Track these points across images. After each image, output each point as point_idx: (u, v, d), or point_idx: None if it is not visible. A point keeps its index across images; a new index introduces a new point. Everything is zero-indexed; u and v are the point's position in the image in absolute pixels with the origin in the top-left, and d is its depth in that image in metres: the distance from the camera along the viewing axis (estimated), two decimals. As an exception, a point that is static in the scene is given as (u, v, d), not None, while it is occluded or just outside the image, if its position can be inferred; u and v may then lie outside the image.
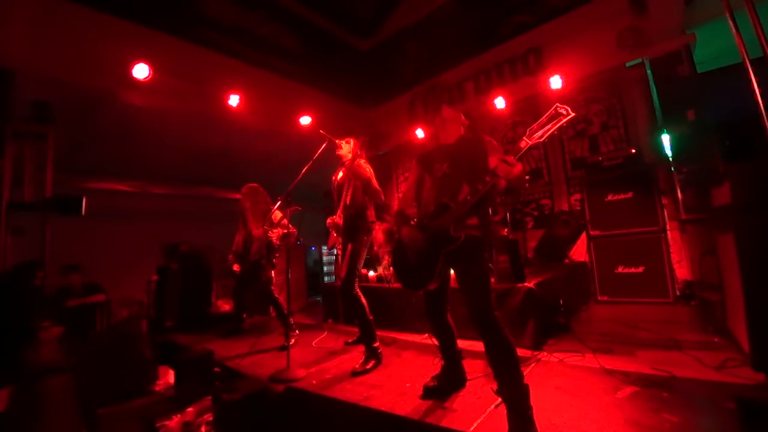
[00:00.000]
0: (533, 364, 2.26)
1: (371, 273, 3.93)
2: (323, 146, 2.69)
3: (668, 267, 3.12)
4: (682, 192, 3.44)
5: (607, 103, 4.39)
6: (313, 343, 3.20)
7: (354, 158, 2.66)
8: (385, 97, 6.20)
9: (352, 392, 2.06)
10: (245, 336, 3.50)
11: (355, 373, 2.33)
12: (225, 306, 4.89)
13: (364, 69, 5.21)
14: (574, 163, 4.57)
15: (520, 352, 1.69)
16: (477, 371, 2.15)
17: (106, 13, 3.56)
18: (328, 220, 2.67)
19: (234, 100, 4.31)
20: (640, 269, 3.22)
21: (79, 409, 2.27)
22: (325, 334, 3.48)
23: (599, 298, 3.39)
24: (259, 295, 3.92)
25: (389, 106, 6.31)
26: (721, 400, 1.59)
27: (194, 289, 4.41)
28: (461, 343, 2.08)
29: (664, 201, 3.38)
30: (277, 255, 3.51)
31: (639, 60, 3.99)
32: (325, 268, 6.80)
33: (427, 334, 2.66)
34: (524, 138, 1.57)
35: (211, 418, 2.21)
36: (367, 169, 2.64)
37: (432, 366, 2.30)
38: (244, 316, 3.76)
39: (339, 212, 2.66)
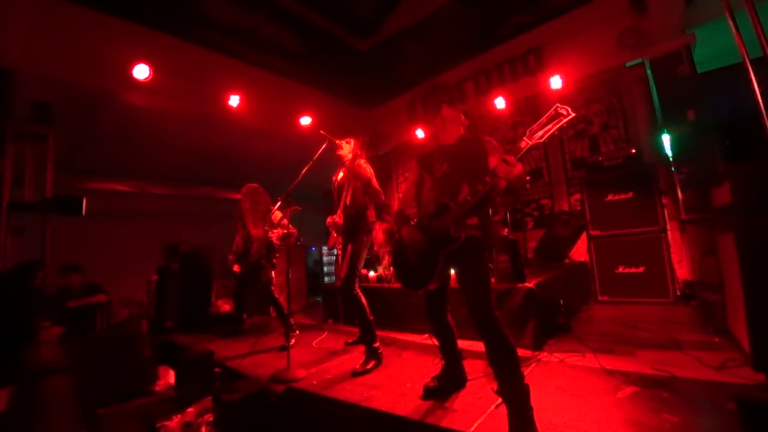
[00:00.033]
0: (533, 364, 2.26)
1: (371, 273, 3.93)
2: (323, 146, 2.69)
3: (668, 267, 3.12)
4: (682, 192, 3.44)
5: (607, 103, 4.39)
6: (313, 344, 3.20)
7: (354, 158, 2.65)
8: (385, 97, 6.20)
9: (353, 392, 2.06)
10: (245, 336, 3.50)
11: (355, 374, 2.33)
12: (225, 306, 4.89)
13: (364, 69, 5.21)
14: (574, 163, 4.57)
15: (521, 352, 1.69)
16: (477, 371, 2.15)
17: (106, 13, 3.56)
18: (328, 219, 2.67)
19: (234, 100, 4.31)
20: (641, 269, 3.22)
21: (79, 409, 2.27)
22: (325, 335, 3.48)
23: (599, 298, 3.39)
24: (259, 296, 3.92)
25: (389, 106, 6.31)
26: (722, 400, 1.59)
27: (194, 290, 4.41)
28: (461, 343, 2.08)
29: (665, 201, 3.38)
30: (278, 255, 3.51)
31: (639, 60, 3.99)
32: (326, 269, 6.80)
33: (427, 335, 2.66)
34: (524, 138, 1.57)
35: (211, 419, 2.20)
36: (368, 170, 2.64)
37: (432, 366, 2.30)
38: (245, 316, 3.77)
39: (339, 212, 2.66)
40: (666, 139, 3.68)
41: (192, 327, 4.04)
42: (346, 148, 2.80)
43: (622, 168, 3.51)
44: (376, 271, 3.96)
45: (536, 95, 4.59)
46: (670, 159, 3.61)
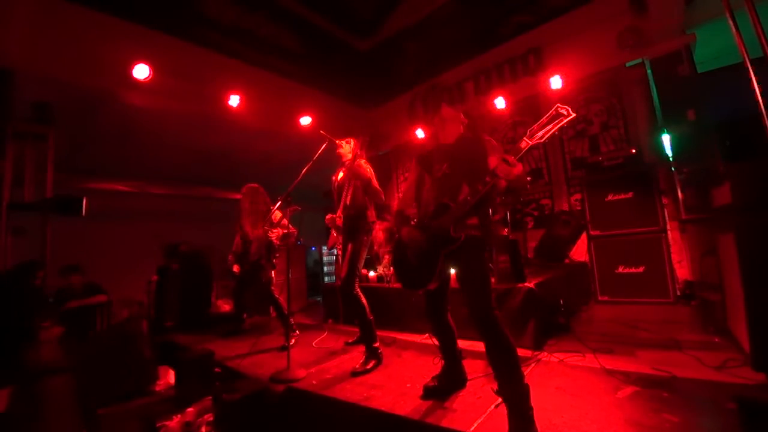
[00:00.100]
0: (533, 364, 2.26)
1: (371, 273, 3.93)
2: (323, 146, 2.69)
3: (668, 267, 3.12)
4: (682, 192, 3.44)
5: (607, 103, 4.39)
6: (313, 344, 3.20)
7: (354, 158, 2.65)
8: (385, 97, 6.20)
9: (353, 392, 2.06)
10: (245, 336, 3.50)
11: (355, 373, 2.33)
12: (225, 306, 4.89)
13: (364, 69, 5.21)
14: (575, 163, 4.57)
15: (521, 352, 1.69)
16: (477, 371, 2.15)
17: (106, 13, 3.56)
18: (328, 217, 2.67)
19: (234, 100, 4.32)
20: (641, 269, 3.22)
21: (79, 409, 2.27)
22: (325, 335, 3.48)
23: (599, 298, 3.39)
24: (259, 296, 3.92)
25: (389, 106, 6.31)
26: (722, 400, 1.59)
27: (194, 290, 4.41)
28: (461, 343, 2.08)
29: (665, 201, 3.38)
30: (277, 255, 3.51)
31: (639, 60, 3.99)
32: (326, 268, 6.81)
33: (427, 334, 2.66)
34: (525, 138, 1.57)
35: (211, 419, 2.21)
36: (368, 169, 2.64)
37: (432, 366, 2.30)
38: (245, 316, 3.76)
39: (339, 212, 2.66)
40: (666, 139, 3.68)
41: (192, 327, 4.04)
42: (346, 148, 2.80)
43: (622, 168, 3.51)
44: (376, 270, 3.96)
45: (536, 95, 4.59)
46: (670, 159, 3.61)
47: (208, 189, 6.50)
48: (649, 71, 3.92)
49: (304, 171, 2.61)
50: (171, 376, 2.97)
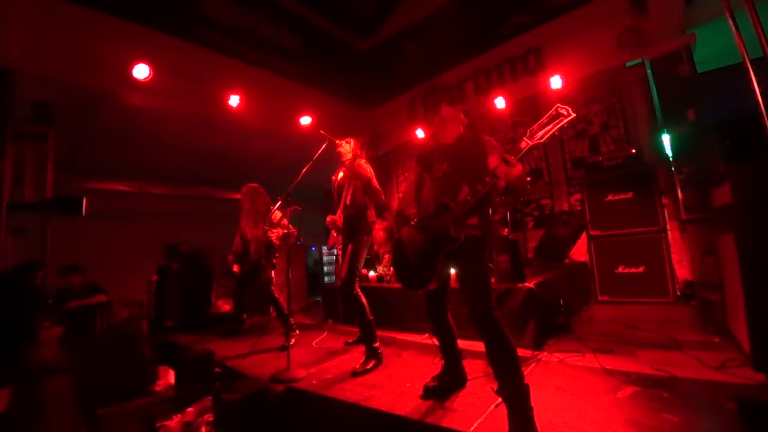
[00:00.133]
0: (533, 364, 2.26)
1: (371, 273, 3.93)
2: (323, 146, 2.69)
3: (668, 267, 3.12)
4: (682, 192, 3.44)
5: (607, 103, 4.39)
6: (313, 343, 3.20)
7: (354, 158, 2.65)
8: (385, 97, 6.20)
9: (353, 392, 2.06)
10: (245, 336, 3.50)
11: (355, 373, 2.33)
12: (225, 306, 4.89)
13: (364, 69, 5.21)
14: (575, 163, 4.57)
15: (521, 352, 1.69)
16: (477, 371, 2.15)
17: (106, 13, 3.56)
18: (328, 218, 2.68)
19: (234, 100, 4.32)
20: (641, 269, 3.22)
21: (79, 409, 2.27)
22: (325, 334, 3.48)
23: (599, 298, 3.39)
24: (259, 296, 3.92)
25: (389, 106, 6.31)
26: (722, 401, 1.59)
27: (194, 290, 4.40)
28: (461, 343, 2.08)
29: (665, 201, 3.38)
30: (277, 255, 3.51)
31: (639, 60, 3.99)
32: (326, 268, 6.81)
33: (427, 334, 2.66)
34: (525, 138, 1.57)
35: (211, 419, 2.20)
36: (368, 169, 2.64)
37: (432, 366, 2.30)
38: (245, 316, 3.77)
39: (339, 212, 2.66)
40: (666, 139, 3.68)
41: (192, 327, 4.04)
42: (346, 147, 2.80)
43: (622, 168, 3.51)
44: (376, 270, 3.96)
45: (536, 95, 4.59)
46: (670, 159, 3.61)
47: (208, 189, 6.50)
48: (649, 71, 3.92)
49: (304, 171, 2.61)
50: (171, 376, 2.97)
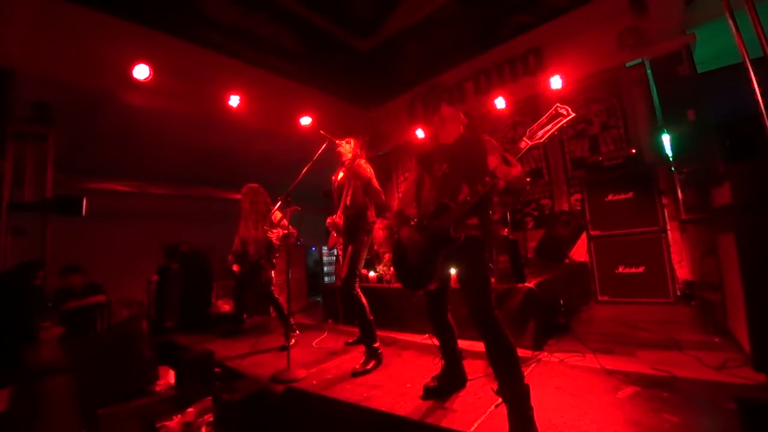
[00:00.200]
0: (533, 364, 2.26)
1: (371, 273, 3.93)
2: (323, 146, 2.69)
3: (669, 267, 3.12)
4: (682, 192, 3.43)
5: (607, 103, 4.39)
6: (313, 344, 3.20)
7: (354, 158, 2.65)
8: (385, 97, 6.20)
9: (353, 392, 2.06)
10: (245, 336, 3.50)
11: (355, 374, 2.33)
12: (225, 306, 4.89)
13: (364, 69, 5.21)
14: (575, 163, 4.57)
15: (521, 352, 1.69)
16: (477, 371, 2.15)
17: (106, 13, 3.56)
18: (328, 220, 2.67)
19: (234, 101, 4.32)
20: (641, 269, 3.22)
21: (79, 409, 2.27)
22: (325, 335, 3.48)
23: (599, 298, 3.39)
24: (259, 296, 3.92)
25: (389, 106, 6.31)
26: (722, 401, 1.59)
27: (194, 290, 4.40)
28: (462, 343, 2.08)
29: (665, 201, 3.38)
30: (277, 255, 3.51)
31: (639, 60, 3.99)
32: (326, 269, 6.80)
33: (427, 335, 2.66)
34: (524, 138, 1.57)
35: (211, 419, 2.20)
36: (368, 170, 2.64)
37: (432, 366, 2.30)
38: (245, 316, 3.76)
39: (339, 212, 2.66)
40: (666, 139, 3.68)
41: (192, 327, 4.04)
42: (346, 148, 2.80)
43: (622, 168, 3.51)
44: (376, 271, 3.96)
45: (536, 95, 4.59)
46: (670, 159, 3.61)
47: (208, 189, 6.50)
48: (649, 71, 3.92)
49: (304, 171, 2.61)
50: (171, 376, 2.97)
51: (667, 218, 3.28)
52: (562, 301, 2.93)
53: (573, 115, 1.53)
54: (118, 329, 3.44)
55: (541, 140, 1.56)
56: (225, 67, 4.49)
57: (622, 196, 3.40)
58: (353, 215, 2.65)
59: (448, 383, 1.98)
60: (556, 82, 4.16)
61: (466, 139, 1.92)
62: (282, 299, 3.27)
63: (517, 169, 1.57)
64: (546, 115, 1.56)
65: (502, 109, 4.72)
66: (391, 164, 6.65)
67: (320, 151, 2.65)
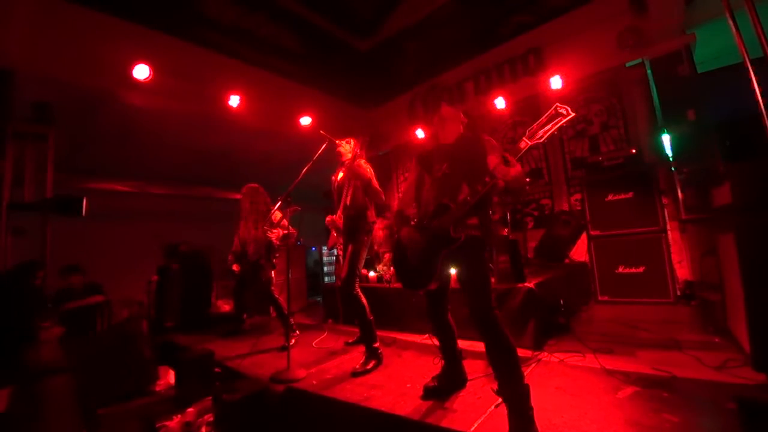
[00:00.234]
0: (533, 364, 2.26)
1: (371, 273, 3.93)
2: (323, 146, 2.69)
3: (669, 267, 3.12)
4: (682, 192, 3.43)
5: (607, 103, 4.39)
6: (313, 344, 3.20)
7: (354, 158, 2.65)
8: (385, 97, 6.19)
9: (353, 392, 2.06)
10: (245, 336, 3.50)
11: (355, 374, 2.33)
12: (225, 306, 4.89)
13: (364, 69, 5.20)
14: (575, 163, 4.56)
15: (521, 352, 1.69)
16: (477, 371, 2.16)
17: (106, 13, 3.56)
18: (328, 218, 2.67)
19: (234, 101, 4.32)
20: (641, 269, 3.22)
21: (79, 409, 2.27)
22: (325, 335, 3.48)
23: (599, 298, 3.39)
24: (259, 296, 3.92)
25: (389, 106, 6.31)
26: (722, 401, 1.59)
27: (194, 290, 4.40)
28: (462, 343, 2.08)
29: (665, 201, 3.38)
30: (277, 255, 3.51)
31: (639, 60, 3.99)
32: (326, 269, 6.80)
33: (427, 335, 2.66)
34: (524, 138, 1.57)
35: (211, 419, 2.20)
36: (368, 170, 2.64)
37: (432, 366, 2.30)
38: (245, 316, 3.76)
39: (339, 213, 2.66)
40: (666, 139, 3.67)
41: (192, 327, 4.04)
42: (346, 148, 2.80)
43: (622, 168, 3.51)
44: (376, 271, 3.96)
45: (536, 95, 4.59)
46: (670, 159, 3.61)
47: (208, 189, 6.49)
48: (649, 71, 3.92)
49: (304, 171, 2.61)
50: (171, 376, 2.96)
51: (667, 218, 3.28)
52: (562, 301, 2.93)
53: (573, 114, 1.53)
54: (118, 329, 3.44)
55: (541, 140, 1.56)
56: (225, 67, 4.49)
57: (622, 196, 3.40)
58: (353, 215, 2.65)
59: (448, 383, 1.98)
60: (556, 82, 4.16)
61: (466, 138, 1.91)
62: (282, 299, 3.27)
63: (516, 169, 1.57)
64: (546, 114, 1.56)
65: (502, 109, 4.72)
66: (391, 164, 6.65)
67: (320, 151, 2.65)
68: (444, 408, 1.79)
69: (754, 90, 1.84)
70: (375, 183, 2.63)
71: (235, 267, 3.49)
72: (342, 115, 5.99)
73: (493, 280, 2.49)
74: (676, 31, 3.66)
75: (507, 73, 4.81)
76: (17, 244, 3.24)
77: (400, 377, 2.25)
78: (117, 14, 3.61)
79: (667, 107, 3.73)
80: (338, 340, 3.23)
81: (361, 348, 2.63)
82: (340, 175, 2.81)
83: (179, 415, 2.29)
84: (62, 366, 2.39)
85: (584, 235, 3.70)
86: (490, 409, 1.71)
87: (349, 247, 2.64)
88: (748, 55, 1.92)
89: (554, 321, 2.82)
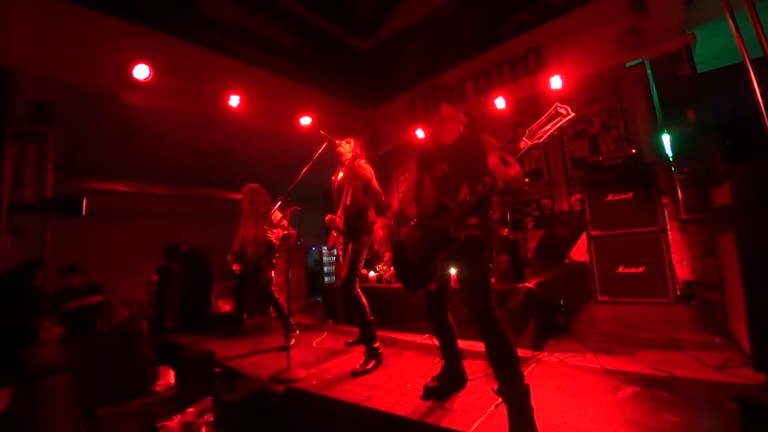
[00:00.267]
0: (534, 365, 2.26)
1: (371, 273, 3.93)
2: (323, 146, 2.69)
3: (669, 267, 3.11)
4: (682, 192, 3.43)
5: (607, 103, 4.39)
6: (313, 344, 3.20)
7: (354, 158, 2.65)
8: (385, 97, 6.20)
9: (353, 392, 2.06)
10: (245, 336, 3.50)
11: (355, 374, 2.33)
12: (225, 306, 4.89)
13: (364, 69, 5.21)
14: (575, 163, 4.56)
15: (521, 352, 1.69)
16: (477, 371, 2.15)
17: (106, 13, 3.56)
18: (327, 217, 2.67)
19: (234, 101, 4.32)
20: (641, 269, 3.22)
21: (79, 409, 2.27)
22: (325, 335, 3.48)
23: (599, 298, 3.39)
24: (259, 296, 3.92)
25: (389, 106, 6.31)
26: (722, 401, 1.59)
27: (194, 290, 4.40)
28: (462, 343, 2.08)
29: (665, 201, 3.38)
30: (277, 255, 3.51)
31: (639, 60, 3.99)
32: (326, 269, 6.80)
33: (427, 335, 2.66)
34: (524, 138, 1.57)
35: (211, 419, 2.20)
36: (368, 170, 2.64)
37: (432, 366, 2.30)
38: (245, 316, 3.76)
39: (339, 212, 2.66)
40: (666, 139, 3.68)
41: (192, 327, 4.04)
42: (346, 148, 2.80)
43: (622, 168, 3.51)
44: (376, 271, 3.96)
45: (536, 95, 4.59)
46: (671, 159, 3.61)
47: (208, 189, 6.49)
48: (649, 71, 3.92)
49: (304, 171, 2.61)
50: (171, 376, 2.96)
51: (667, 218, 3.28)
52: (562, 301, 2.93)
53: (572, 114, 1.53)
54: (118, 329, 3.44)
55: (541, 140, 1.56)
56: (225, 67, 4.50)
57: (622, 196, 3.40)
58: (353, 215, 2.65)
59: (448, 383, 1.98)
60: (556, 82, 4.16)
61: (466, 138, 1.91)
62: (282, 299, 3.27)
63: (515, 169, 1.57)
64: (545, 114, 1.56)
65: (502, 109, 4.71)
66: (391, 164, 6.65)
67: (320, 151, 2.65)
68: (444, 408, 1.79)
69: (754, 90, 1.83)
70: (375, 183, 2.63)
71: (235, 267, 3.49)
72: (342, 115, 5.99)
73: (493, 280, 2.49)
74: (676, 31, 3.66)
75: (507, 73, 4.81)
76: (17, 244, 3.24)
77: (400, 377, 2.25)
78: (117, 14, 3.61)
79: (667, 107, 3.73)
80: (338, 340, 3.23)
81: (361, 348, 2.63)
82: (340, 175, 2.81)
83: (179, 415, 2.29)
84: (62, 366, 2.39)
85: (584, 235, 3.70)
86: (490, 409, 1.71)
87: (350, 247, 2.64)
88: (748, 55, 1.92)
89: (554, 321, 2.82)
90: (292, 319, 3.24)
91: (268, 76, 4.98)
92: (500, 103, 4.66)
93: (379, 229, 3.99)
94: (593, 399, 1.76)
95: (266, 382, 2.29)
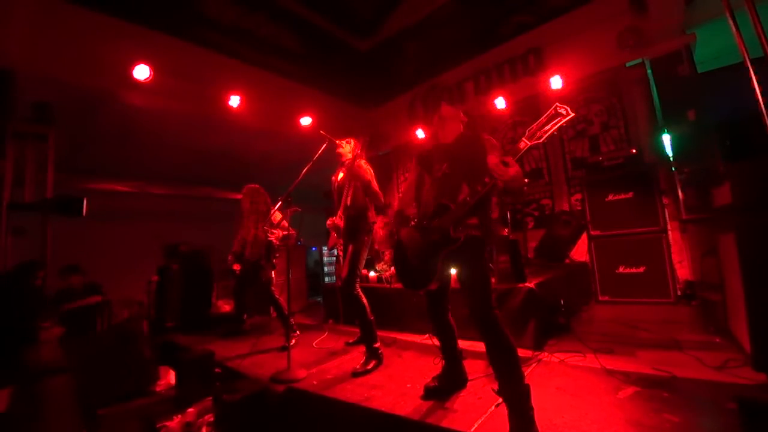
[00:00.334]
0: (534, 365, 2.26)
1: (371, 273, 3.93)
2: (323, 146, 2.69)
3: (669, 267, 3.11)
4: (682, 192, 3.43)
5: (607, 103, 4.39)
6: (313, 344, 3.20)
7: (354, 159, 2.65)
8: (385, 97, 6.20)
9: (353, 393, 2.06)
10: (246, 336, 3.50)
11: (355, 374, 2.33)
12: (225, 306, 4.89)
13: (364, 69, 5.21)
14: (575, 163, 4.57)
15: (521, 352, 1.69)
16: (478, 371, 2.15)
17: (106, 14, 3.57)
18: (329, 221, 2.67)
19: (234, 101, 4.32)
20: (641, 269, 3.22)
21: (79, 409, 2.27)
22: (325, 335, 3.48)
23: (600, 298, 3.39)
24: (259, 296, 3.92)
25: (389, 106, 6.31)
26: (722, 401, 1.59)
27: (195, 290, 4.40)
28: (462, 343, 2.08)
29: (665, 201, 3.38)
30: (277, 255, 3.51)
31: (639, 60, 3.99)
32: (326, 269, 6.79)
33: (427, 335, 2.66)
34: (523, 139, 1.57)
35: (211, 419, 2.20)
36: (368, 171, 2.64)
37: (433, 366, 2.30)
38: (245, 316, 3.76)
39: (339, 213, 2.66)
40: (666, 139, 3.68)
41: (192, 327, 4.03)
42: (346, 148, 2.80)
43: (622, 168, 3.51)
44: (376, 271, 3.96)
45: (536, 95, 4.59)
46: (671, 159, 3.61)
47: (208, 189, 6.49)
48: (649, 71, 3.92)
49: (304, 171, 2.61)
50: (171, 377, 2.96)
51: (667, 218, 3.28)
52: (562, 301, 2.93)
53: (572, 114, 1.53)
54: (118, 329, 3.44)
55: (541, 140, 1.56)
56: (225, 67, 4.50)
57: (623, 196, 3.39)
58: (354, 215, 2.65)
59: (449, 383, 1.98)
60: (556, 82, 4.16)
61: (466, 138, 1.91)
62: (282, 299, 3.26)
63: (514, 170, 1.56)
64: (545, 115, 1.56)
65: (502, 109, 4.72)
66: (391, 164, 6.65)
67: (320, 151, 2.65)
68: (444, 408, 1.79)
69: (754, 90, 1.83)
70: (375, 184, 2.63)
71: (235, 267, 3.49)
72: (342, 115, 5.99)
73: (493, 280, 2.49)
74: (676, 31, 3.66)
75: (507, 73, 4.81)
76: (17, 244, 3.24)
77: (401, 377, 2.24)
78: (117, 14, 3.62)
79: (667, 107, 3.73)
80: (339, 341, 3.23)
81: (362, 348, 2.63)
82: (341, 175, 2.81)
83: (179, 416, 2.29)
84: (62, 366, 2.39)
85: (584, 235, 3.70)
86: (490, 409, 1.70)
87: (350, 247, 2.64)
88: (748, 55, 1.92)
89: (554, 321, 2.82)
90: (292, 320, 3.24)
91: (268, 76, 4.98)
92: (500, 103, 4.66)
93: (379, 228, 3.99)
94: (594, 399, 1.76)
95: (266, 383, 2.29)
